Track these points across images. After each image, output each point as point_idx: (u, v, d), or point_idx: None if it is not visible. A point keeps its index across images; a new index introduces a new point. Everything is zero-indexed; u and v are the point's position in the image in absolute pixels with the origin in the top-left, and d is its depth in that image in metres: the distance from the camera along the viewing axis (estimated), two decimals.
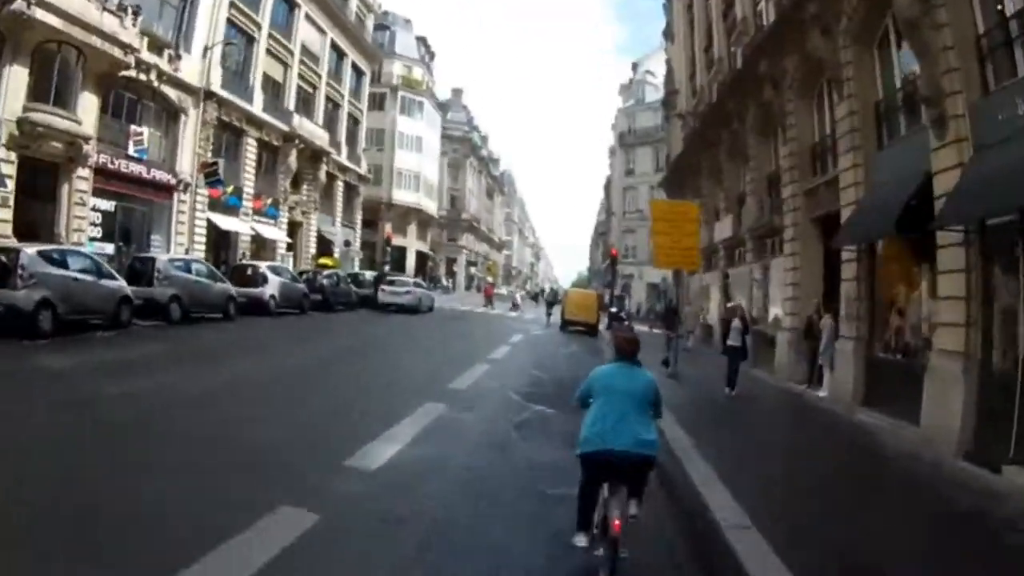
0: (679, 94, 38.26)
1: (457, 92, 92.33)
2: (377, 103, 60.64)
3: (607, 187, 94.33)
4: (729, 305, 21.98)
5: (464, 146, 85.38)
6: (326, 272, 28.82)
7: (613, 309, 33.15)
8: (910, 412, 10.25)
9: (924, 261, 11.25)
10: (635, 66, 74.98)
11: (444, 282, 70.09)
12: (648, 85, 68.59)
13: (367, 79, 48.57)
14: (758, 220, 21.93)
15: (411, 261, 61.61)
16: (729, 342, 13.80)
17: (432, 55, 72.92)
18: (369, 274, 35.15)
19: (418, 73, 65.42)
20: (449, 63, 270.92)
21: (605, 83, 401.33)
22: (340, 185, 42.31)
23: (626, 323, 20.52)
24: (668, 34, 43.40)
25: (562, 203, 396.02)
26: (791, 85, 17.52)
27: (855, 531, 5.72)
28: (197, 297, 18.43)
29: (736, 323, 13.89)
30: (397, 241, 59.70)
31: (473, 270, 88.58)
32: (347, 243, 39.43)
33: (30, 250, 13.35)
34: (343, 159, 42.07)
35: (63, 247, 15.62)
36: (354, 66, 45.14)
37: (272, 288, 22.67)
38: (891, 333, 12.83)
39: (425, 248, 67.31)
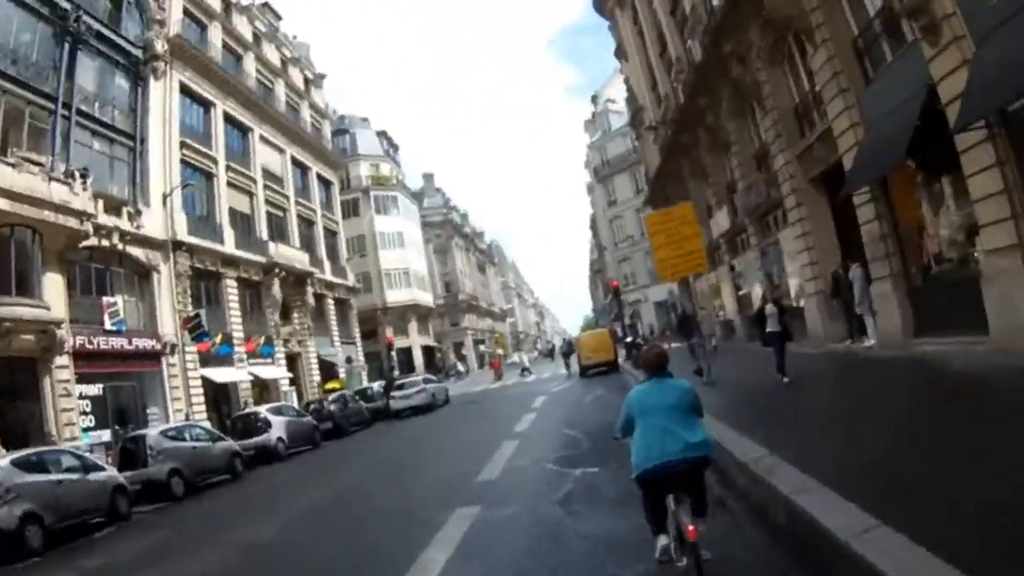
0: (645, 109, 38.22)
1: (428, 177, 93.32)
2: (351, 209, 60.71)
3: (593, 225, 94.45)
4: (756, 292, 22.27)
5: (446, 229, 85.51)
6: (332, 397, 27.97)
7: (628, 339, 32.19)
8: (973, 326, 9.93)
9: (943, 175, 11.26)
10: (595, 99, 75.67)
11: (459, 368, 69.01)
12: (612, 113, 69.11)
13: (335, 188, 48.58)
14: (755, 200, 21.71)
15: (419, 358, 60.63)
16: (768, 329, 12.76)
17: (396, 147, 73.52)
18: (376, 385, 34.24)
19: (386, 169, 65.75)
20: (414, 150, 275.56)
21: (569, 127, 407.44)
22: (330, 303, 41.67)
23: (644, 347, 19.71)
24: (620, 53, 43.57)
25: (553, 256, 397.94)
26: (759, 55, 17.72)
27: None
28: (199, 464, 17.32)
29: (770, 308, 12.90)
30: (400, 342, 58.96)
31: (482, 347, 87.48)
32: (348, 360, 38.62)
33: (2, 462, 12.38)
34: (328, 275, 41.55)
35: (40, 449, 14.52)
36: (320, 178, 45.23)
37: (277, 431, 21.57)
38: (927, 257, 12.55)
39: (430, 341, 66.40)
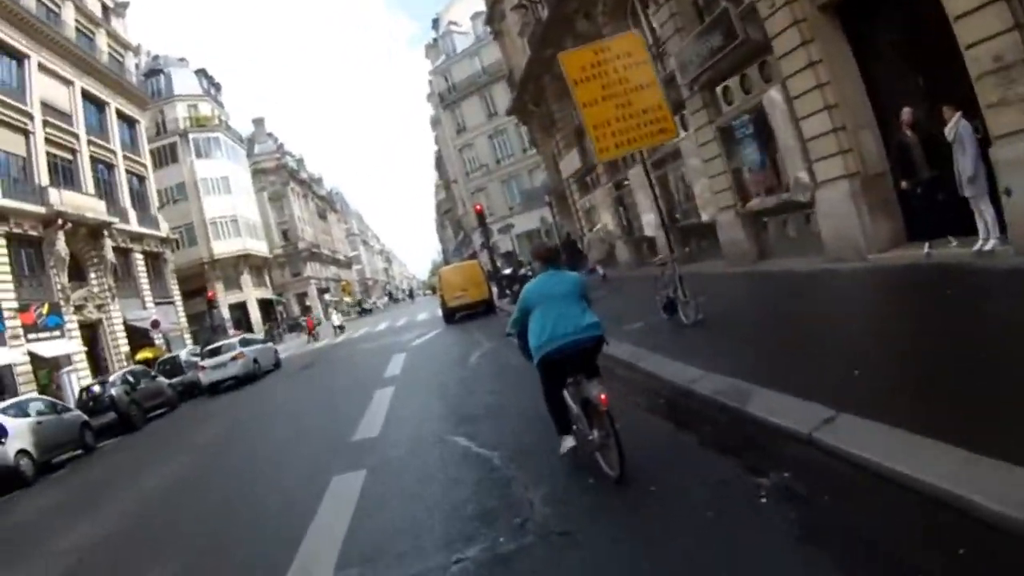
0: None
1: (259, 122, 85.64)
2: (169, 155, 54.00)
3: (438, 163, 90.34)
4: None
5: (280, 175, 78.99)
6: (113, 377, 20.33)
7: (507, 271, 28.44)
8: None
9: None
10: (436, 22, 69.53)
11: (302, 322, 62.86)
12: (456, 35, 63.71)
13: (142, 128, 41.55)
14: (715, 45, 13.55)
15: (255, 314, 54.87)
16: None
17: (217, 86, 65.43)
18: (186, 352, 27.19)
19: (206, 108, 58.13)
20: (243, 98, 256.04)
21: (411, 78, 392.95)
22: (139, 258, 35.51)
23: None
24: None
25: (398, 204, 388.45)
26: None
27: None
28: None
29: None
30: (233, 297, 53.08)
31: (327, 296, 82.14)
32: (155, 324, 31.95)
33: None
34: (134, 226, 35.36)
35: None
36: (122, 115, 38.27)
37: (18, 442, 13.90)
38: None
39: (268, 294, 60.46)
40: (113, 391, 18.75)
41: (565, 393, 5.16)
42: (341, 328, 40.77)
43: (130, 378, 20.40)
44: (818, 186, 11.75)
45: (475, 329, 19.84)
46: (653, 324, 10.41)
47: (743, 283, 13.07)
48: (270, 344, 29.33)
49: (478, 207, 33.81)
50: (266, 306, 58.57)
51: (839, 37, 11.00)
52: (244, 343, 24.69)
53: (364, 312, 75.26)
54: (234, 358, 22.83)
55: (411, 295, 73.40)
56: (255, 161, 74.96)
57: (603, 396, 4.57)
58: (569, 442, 5.17)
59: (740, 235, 15.13)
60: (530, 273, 27.64)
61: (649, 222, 21.10)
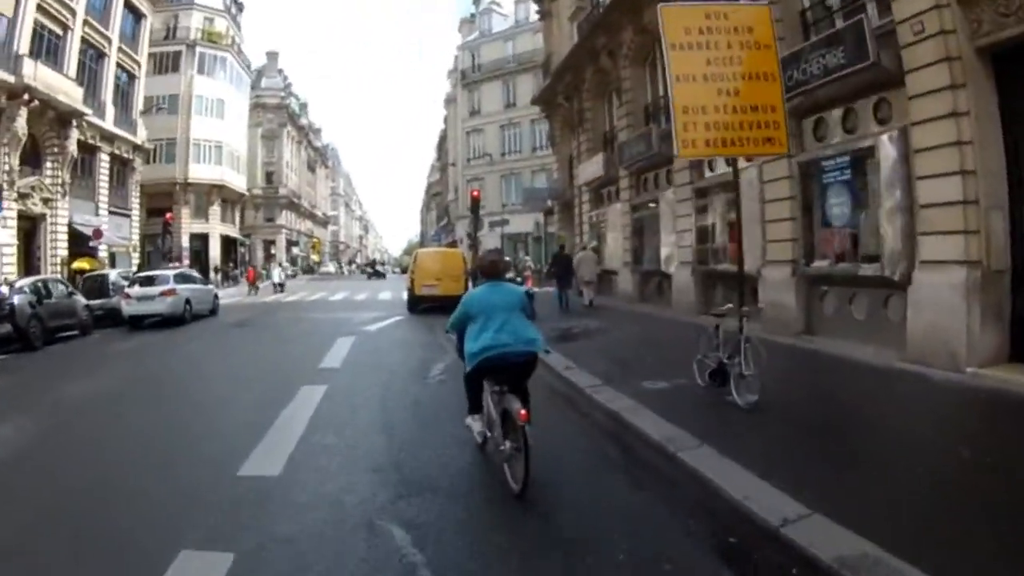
0: None
1: (272, 56, 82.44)
2: (170, 63, 50.45)
3: (441, 143, 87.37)
4: None
5: (280, 114, 76.03)
6: (21, 283, 17.37)
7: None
8: None
9: None
10: None
11: (238, 273, 53.87)
12: (495, 14, 61.35)
13: (147, 23, 38.58)
14: (822, 65, 11.05)
15: (215, 249, 51.57)
16: None
17: (240, 6, 61.90)
18: (116, 274, 23.26)
19: (221, 25, 54.67)
20: (264, 28, 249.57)
21: (437, 54, 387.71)
22: (104, 159, 32.55)
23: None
24: None
25: (390, 177, 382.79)
26: None
27: None
28: None
29: None
30: (197, 227, 49.85)
31: (296, 250, 79.00)
32: (96, 233, 28.51)
33: None
34: (109, 125, 32.37)
35: None
36: (129, 5, 35.31)
37: None
38: None
39: (234, 232, 57.17)
40: (16, 299, 15.64)
41: (488, 397, 5.48)
42: (281, 287, 38.14)
43: (41, 288, 17.41)
44: (919, 267, 9.41)
45: (440, 328, 15.51)
46: (684, 390, 8.00)
47: (791, 360, 9.99)
48: (211, 287, 26.26)
49: (475, 192, 31.49)
50: (229, 244, 55.33)
51: (990, 89, 8.70)
52: (180, 279, 21.80)
53: (376, 275, 65.12)
54: (163, 294, 20.00)
55: (374, 271, 68.51)
56: (258, 95, 72.12)
57: (523, 412, 4.77)
58: (477, 423, 5.62)
59: (790, 299, 12.45)
60: (519, 280, 25.66)
61: (669, 256, 18.89)
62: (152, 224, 40.46)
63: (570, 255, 19.96)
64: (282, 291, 36.96)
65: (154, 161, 45.92)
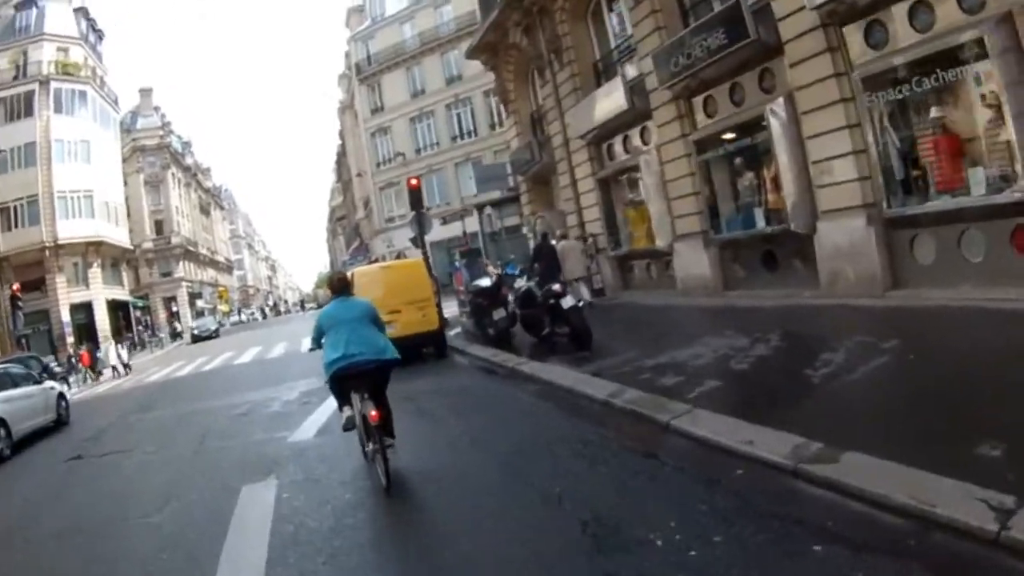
0: None
1: (146, 92, 73.89)
2: (23, 107, 42.98)
3: (340, 160, 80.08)
4: None
5: (161, 155, 68.38)
6: None
7: (484, 283, 14.11)
8: None
9: None
10: None
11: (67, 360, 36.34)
12: None
13: None
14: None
15: (101, 318, 43.61)
16: None
17: (99, 34, 53.30)
18: None
19: (78, 55, 46.62)
20: (133, 66, 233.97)
21: (323, 71, 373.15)
22: None
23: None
24: None
25: (289, 213, 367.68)
26: None
27: None
28: None
29: None
30: (78, 295, 42.18)
31: (200, 303, 70.66)
32: None
33: None
34: None
35: None
36: None
37: None
38: None
39: (123, 295, 49.24)
40: None
41: (354, 403, 5.91)
42: (128, 367, 29.12)
43: None
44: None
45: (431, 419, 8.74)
46: None
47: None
48: (50, 386, 16.50)
49: (414, 181, 22.08)
50: (118, 309, 47.52)
51: None
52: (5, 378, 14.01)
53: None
54: None
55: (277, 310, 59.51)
56: (135, 137, 65.22)
57: (373, 413, 5.47)
58: (348, 411, 6.00)
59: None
60: (558, 289, 18.91)
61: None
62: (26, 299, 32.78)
63: (554, 246, 14.72)
64: (130, 372, 28.58)
65: (15, 226, 39.72)
